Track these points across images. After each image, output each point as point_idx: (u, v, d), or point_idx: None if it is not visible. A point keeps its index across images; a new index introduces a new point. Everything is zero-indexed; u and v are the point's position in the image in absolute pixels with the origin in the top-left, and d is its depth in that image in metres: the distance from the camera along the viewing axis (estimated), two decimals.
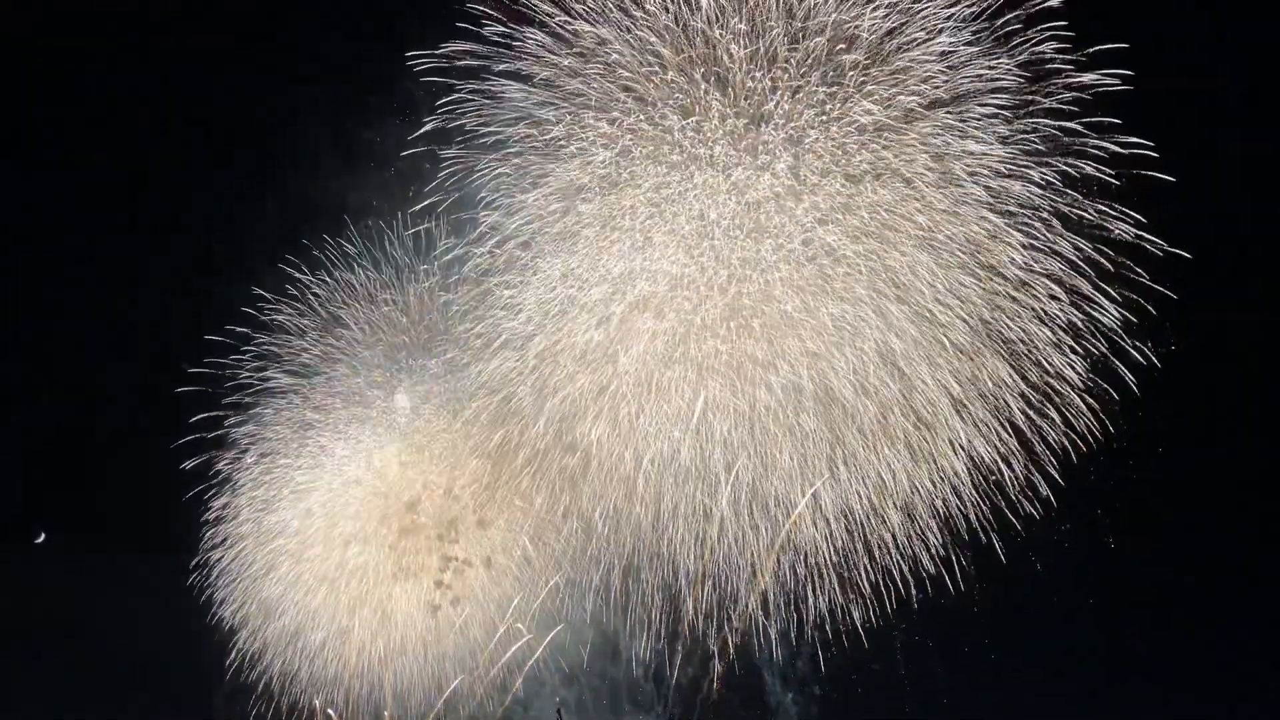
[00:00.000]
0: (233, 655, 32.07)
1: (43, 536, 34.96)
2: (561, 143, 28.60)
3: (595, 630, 32.38)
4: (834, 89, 28.02)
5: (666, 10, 27.50)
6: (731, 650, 31.67)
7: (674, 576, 30.93)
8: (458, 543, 33.36)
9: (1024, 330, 28.31)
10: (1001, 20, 27.49)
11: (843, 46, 27.69)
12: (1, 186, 33.08)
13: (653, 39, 27.83)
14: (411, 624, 32.34)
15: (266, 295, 31.77)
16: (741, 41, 27.87)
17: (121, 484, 33.11)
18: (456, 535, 33.33)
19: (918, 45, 27.72)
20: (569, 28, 27.91)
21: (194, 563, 32.08)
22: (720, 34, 27.68)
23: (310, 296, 31.86)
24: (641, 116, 28.28)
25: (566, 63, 28.06)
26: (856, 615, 29.81)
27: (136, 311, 32.59)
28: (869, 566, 29.65)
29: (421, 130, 28.62)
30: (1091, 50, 26.74)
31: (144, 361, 32.89)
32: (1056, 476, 28.20)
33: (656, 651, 31.81)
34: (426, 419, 32.71)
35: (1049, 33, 26.99)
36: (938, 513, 29.15)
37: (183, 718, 33.60)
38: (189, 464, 31.47)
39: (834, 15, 27.21)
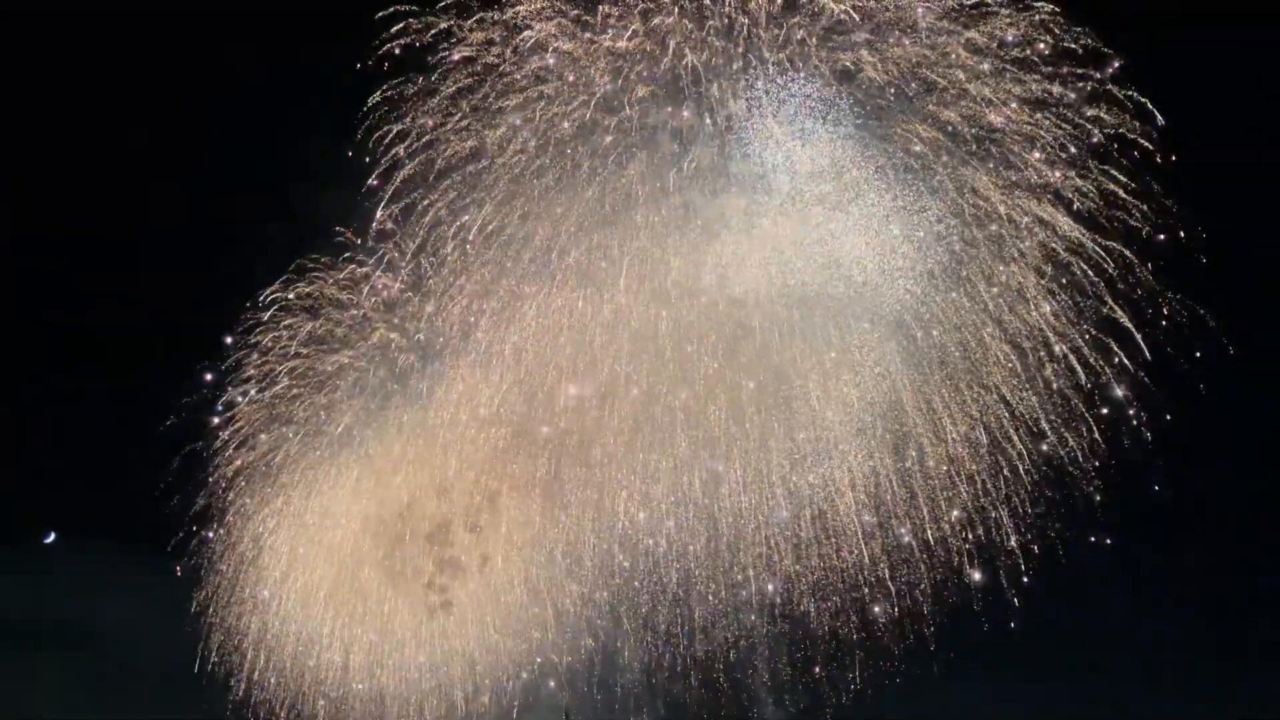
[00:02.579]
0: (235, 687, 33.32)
1: (52, 537, 35.98)
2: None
3: (594, 636, 33.40)
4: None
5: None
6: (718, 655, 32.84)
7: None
8: (451, 546, 33.80)
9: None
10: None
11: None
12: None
13: None
14: (411, 634, 33.16)
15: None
16: None
17: (129, 486, 33.60)
18: (450, 538, 33.73)
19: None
20: None
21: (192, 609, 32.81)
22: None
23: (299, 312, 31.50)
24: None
25: None
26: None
27: (142, 321, 32.76)
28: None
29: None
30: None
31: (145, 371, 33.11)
32: None
33: (649, 659, 33.01)
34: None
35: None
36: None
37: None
38: (175, 500, 31.92)
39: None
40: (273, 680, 32.78)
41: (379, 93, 27.87)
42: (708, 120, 28.00)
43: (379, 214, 29.45)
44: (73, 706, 34.59)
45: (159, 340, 32.24)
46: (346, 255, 30.78)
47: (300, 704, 32.84)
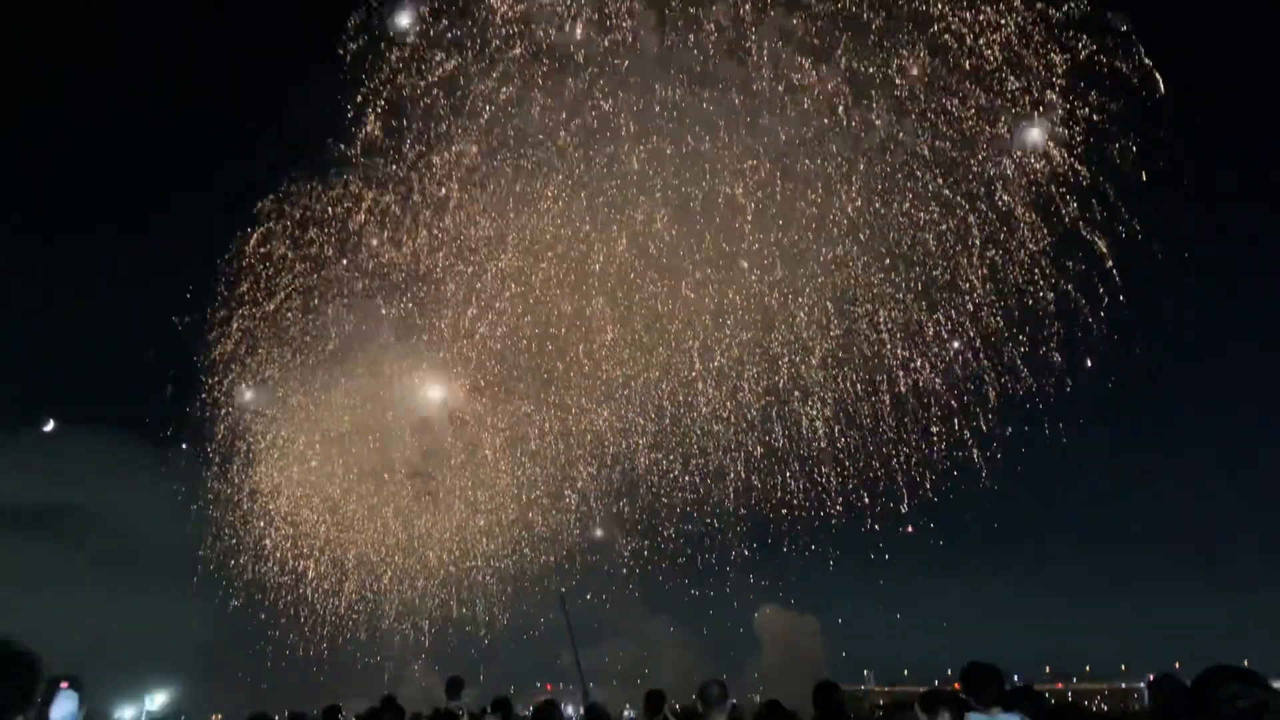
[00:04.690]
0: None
1: (51, 425, 36.91)
2: None
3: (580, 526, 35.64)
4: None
5: None
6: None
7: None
8: (436, 437, 34.83)
9: None
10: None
11: None
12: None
13: None
14: (402, 530, 34.85)
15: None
16: None
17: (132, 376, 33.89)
18: (434, 430, 34.67)
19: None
20: None
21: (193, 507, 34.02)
22: None
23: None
24: None
25: None
26: None
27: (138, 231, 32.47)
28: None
29: None
30: None
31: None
32: None
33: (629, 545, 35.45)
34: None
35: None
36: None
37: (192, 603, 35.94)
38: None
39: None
40: (271, 576, 34.56)
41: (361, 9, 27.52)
42: (695, 50, 27.82)
43: (369, 129, 29.47)
44: (70, 587, 35.91)
45: (155, 250, 32.35)
46: (336, 171, 30.71)
47: (298, 602, 34.68)
